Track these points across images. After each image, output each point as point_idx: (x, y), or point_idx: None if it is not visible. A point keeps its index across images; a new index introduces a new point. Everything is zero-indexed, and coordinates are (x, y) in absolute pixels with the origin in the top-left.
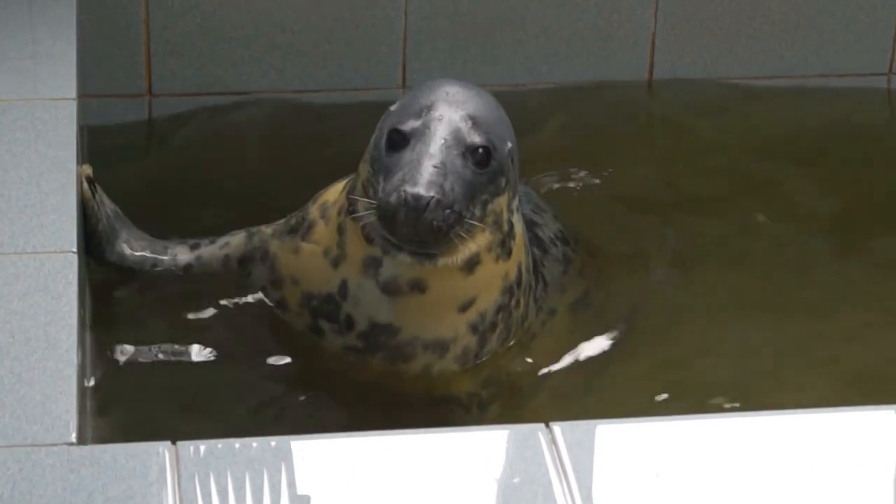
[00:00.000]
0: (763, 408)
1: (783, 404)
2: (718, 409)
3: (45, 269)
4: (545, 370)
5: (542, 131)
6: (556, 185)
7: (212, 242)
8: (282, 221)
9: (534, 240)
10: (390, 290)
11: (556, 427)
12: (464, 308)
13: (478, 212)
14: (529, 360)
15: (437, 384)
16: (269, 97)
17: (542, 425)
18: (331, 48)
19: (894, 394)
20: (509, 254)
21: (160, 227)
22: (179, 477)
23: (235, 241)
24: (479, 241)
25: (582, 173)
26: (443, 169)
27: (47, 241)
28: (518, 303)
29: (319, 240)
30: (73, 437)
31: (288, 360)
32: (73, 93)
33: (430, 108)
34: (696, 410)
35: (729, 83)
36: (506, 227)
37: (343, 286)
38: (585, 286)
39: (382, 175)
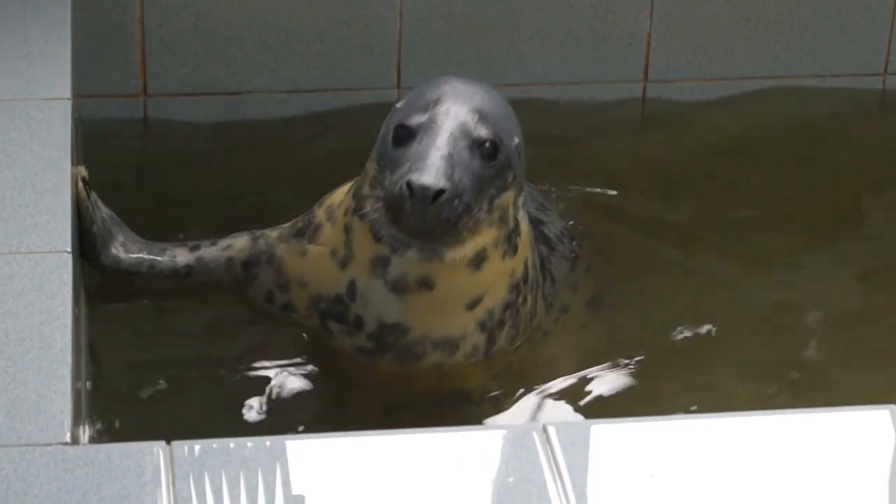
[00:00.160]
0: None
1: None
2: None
3: (40, 268)
4: (557, 366)
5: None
6: (554, 187)
7: (213, 244)
8: (287, 225)
9: (540, 237)
10: (399, 288)
11: (551, 427)
12: (472, 306)
13: (485, 206)
14: (541, 356)
15: (448, 379)
16: (263, 97)
17: (537, 425)
18: (324, 48)
19: None
20: (515, 250)
21: (155, 227)
22: (174, 477)
23: (239, 243)
24: (485, 237)
25: (578, 174)
26: (451, 160)
27: (42, 241)
28: (525, 300)
29: (326, 241)
30: (68, 437)
31: (288, 360)
32: (67, 92)
33: (436, 102)
34: (707, 409)
35: (724, 84)
36: (511, 224)
37: (351, 287)
38: (597, 285)
39: (389, 170)
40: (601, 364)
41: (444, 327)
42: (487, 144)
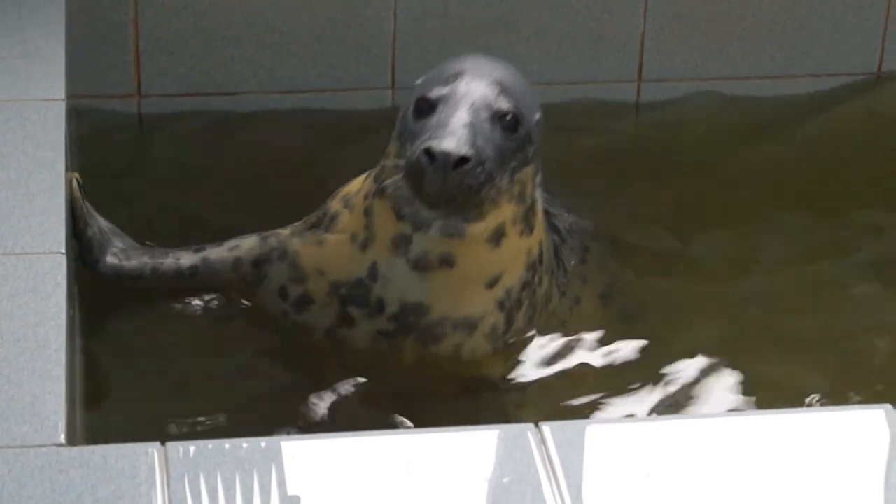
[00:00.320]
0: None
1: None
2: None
3: (34, 269)
4: (572, 356)
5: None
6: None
7: (219, 245)
8: (298, 223)
9: (551, 227)
10: (421, 266)
11: (546, 427)
12: (491, 284)
13: (506, 178)
14: (557, 344)
15: (468, 369)
16: (259, 97)
17: (531, 425)
18: (321, 48)
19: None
20: (531, 229)
21: (150, 227)
22: (169, 477)
23: (247, 243)
24: (505, 212)
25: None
26: (473, 129)
27: (36, 242)
28: (541, 281)
29: (345, 228)
30: (62, 438)
31: (284, 360)
32: (62, 93)
33: (457, 75)
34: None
35: (719, 83)
36: (529, 201)
37: (373, 268)
38: (608, 279)
39: (410, 142)
40: (613, 356)
41: (464, 306)
42: (509, 117)
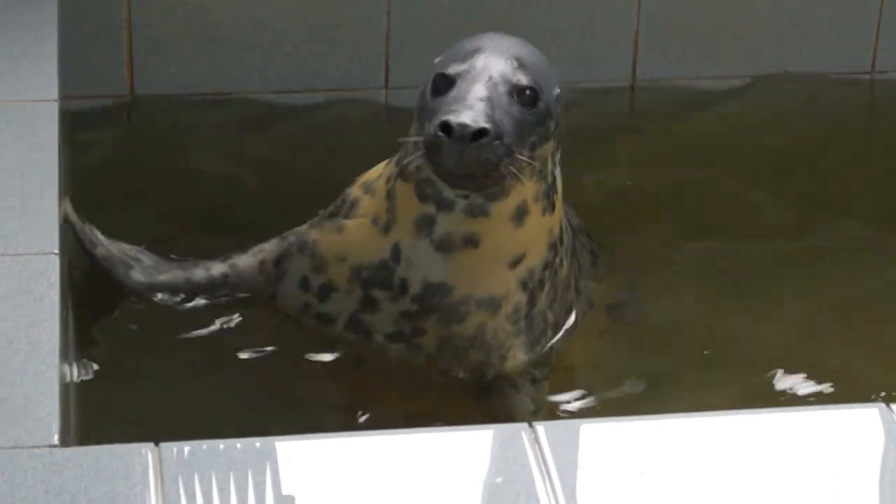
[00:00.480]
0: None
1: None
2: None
3: (27, 270)
4: (585, 361)
5: None
6: None
7: (244, 252)
8: (316, 217)
9: (566, 223)
10: (444, 247)
11: (540, 426)
12: (514, 264)
13: (526, 153)
14: (573, 348)
15: (492, 361)
16: (252, 97)
17: (524, 424)
18: (313, 48)
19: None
20: (553, 207)
21: (144, 228)
22: (163, 478)
23: (269, 246)
24: (527, 189)
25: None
26: (490, 103)
27: (29, 243)
28: (562, 262)
29: (366, 212)
30: (56, 439)
31: (279, 361)
32: (54, 94)
33: (475, 51)
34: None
35: (712, 82)
36: (550, 178)
37: (395, 250)
38: (616, 290)
39: (428, 119)
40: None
41: (487, 285)
42: (528, 91)
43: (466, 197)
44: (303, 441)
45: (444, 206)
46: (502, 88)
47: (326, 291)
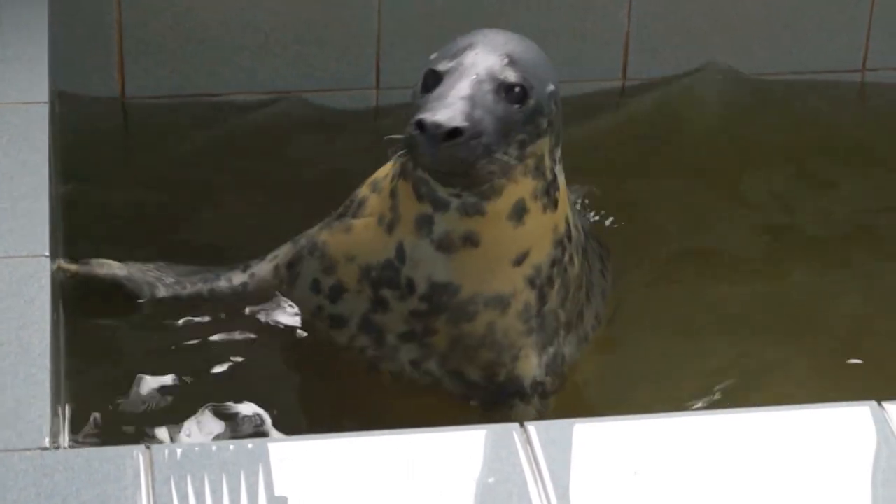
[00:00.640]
0: None
1: None
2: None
3: (18, 273)
4: (594, 376)
5: None
6: None
7: (261, 259)
8: (327, 219)
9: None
10: (444, 246)
11: (531, 426)
12: (518, 261)
13: (514, 151)
14: (587, 361)
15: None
16: (242, 98)
17: (516, 424)
18: (303, 49)
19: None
20: (555, 205)
21: (137, 228)
22: (154, 481)
23: (283, 251)
24: (522, 187)
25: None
26: (471, 101)
27: (19, 246)
28: (572, 259)
29: (373, 211)
30: (47, 442)
31: (273, 363)
32: (44, 95)
33: (466, 48)
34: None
35: (705, 80)
36: (549, 175)
37: (400, 249)
38: (615, 301)
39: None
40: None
41: (493, 284)
42: (517, 89)
43: (459, 196)
44: (294, 442)
45: (440, 205)
46: (488, 86)
47: (338, 292)
